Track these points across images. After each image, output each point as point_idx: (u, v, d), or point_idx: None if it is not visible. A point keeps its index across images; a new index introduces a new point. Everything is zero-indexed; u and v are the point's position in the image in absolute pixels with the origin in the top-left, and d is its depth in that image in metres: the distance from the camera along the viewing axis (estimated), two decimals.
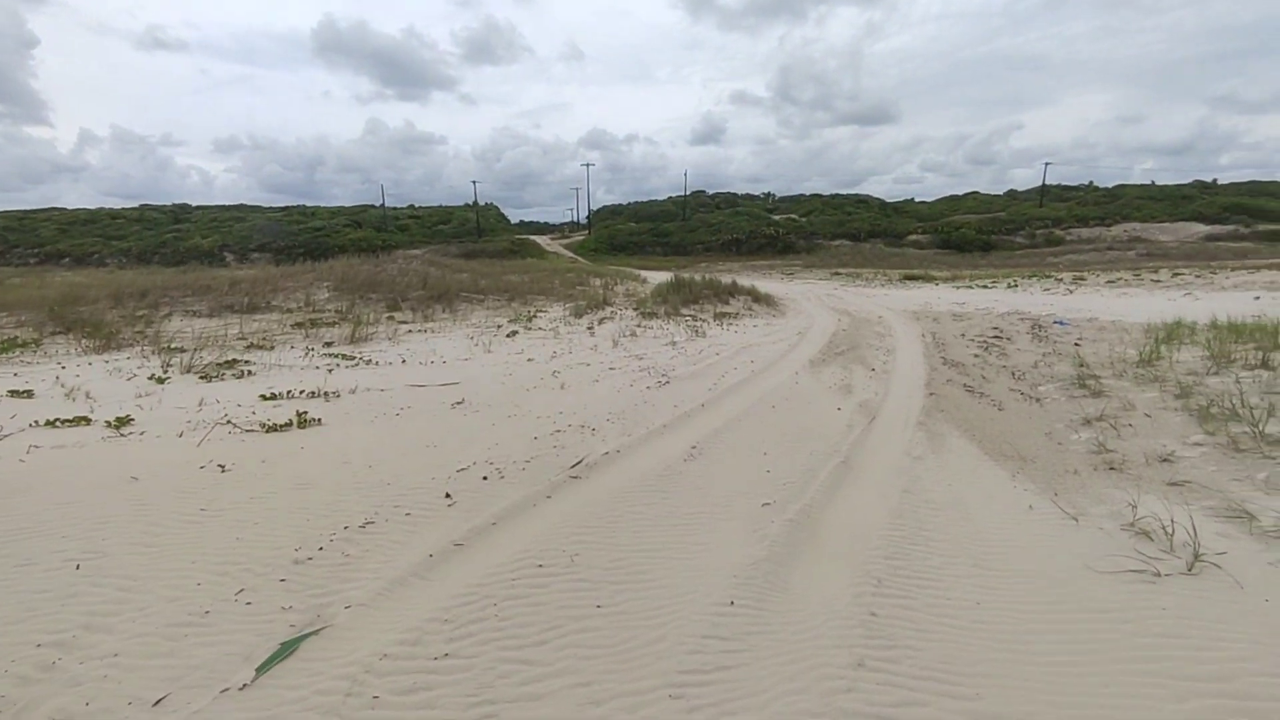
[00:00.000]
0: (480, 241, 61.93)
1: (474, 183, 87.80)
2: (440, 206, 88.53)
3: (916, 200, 74.44)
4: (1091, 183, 71.85)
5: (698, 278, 16.72)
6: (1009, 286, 20.75)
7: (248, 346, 8.33)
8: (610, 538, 3.09)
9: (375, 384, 6.41)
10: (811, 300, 17.30)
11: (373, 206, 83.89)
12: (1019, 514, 3.28)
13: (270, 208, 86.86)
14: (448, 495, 3.63)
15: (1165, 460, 3.81)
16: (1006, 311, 13.06)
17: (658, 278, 21.43)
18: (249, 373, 6.90)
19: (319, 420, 5.10)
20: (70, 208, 75.68)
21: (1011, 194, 69.54)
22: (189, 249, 58.83)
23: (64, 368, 7.05)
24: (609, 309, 13.10)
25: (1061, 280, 22.28)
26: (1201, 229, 47.54)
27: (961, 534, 3.06)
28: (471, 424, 5.10)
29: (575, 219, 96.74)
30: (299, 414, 5.15)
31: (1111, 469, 3.77)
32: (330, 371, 6.99)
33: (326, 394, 5.91)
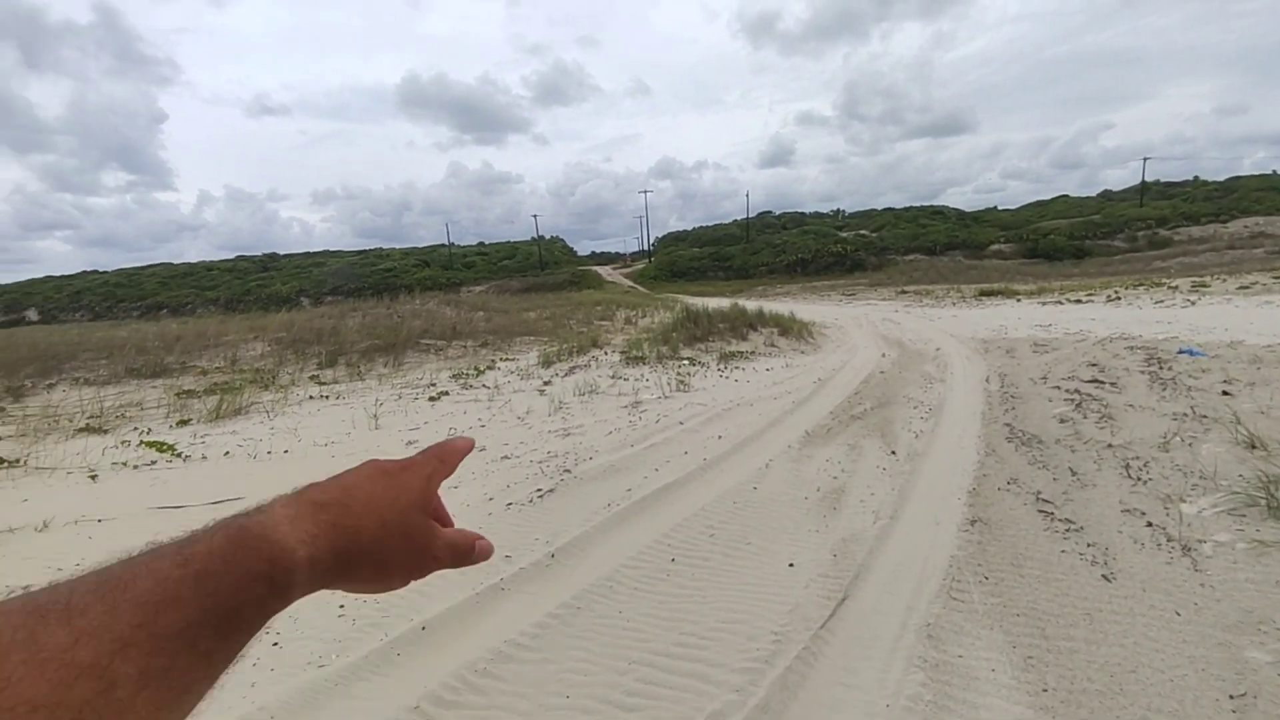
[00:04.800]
0: (542, 275, 61.50)
1: (534, 216, 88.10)
2: (507, 242, 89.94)
3: (999, 208, 68.88)
4: (1197, 177, 64.82)
5: (713, 306, 14.19)
6: (1109, 299, 17.11)
7: (81, 429, 6.52)
8: None
9: (105, 509, 4.27)
10: (862, 327, 14.46)
11: (443, 246, 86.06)
12: None
13: (350, 252, 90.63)
14: None
15: None
16: (1108, 336, 9.91)
17: (708, 305, 18.99)
18: None
19: None
20: (176, 262, 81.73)
21: (1106, 195, 63.38)
22: (271, 295, 61.58)
23: None
24: (593, 353, 10.80)
25: (1177, 288, 18.38)
26: None
27: None
28: None
29: (641, 247, 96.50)
30: None
31: None
32: (94, 479, 4.95)
33: None
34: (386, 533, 0.44)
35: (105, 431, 6.44)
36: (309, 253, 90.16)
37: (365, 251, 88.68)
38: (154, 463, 5.30)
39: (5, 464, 5.21)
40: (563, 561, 3.17)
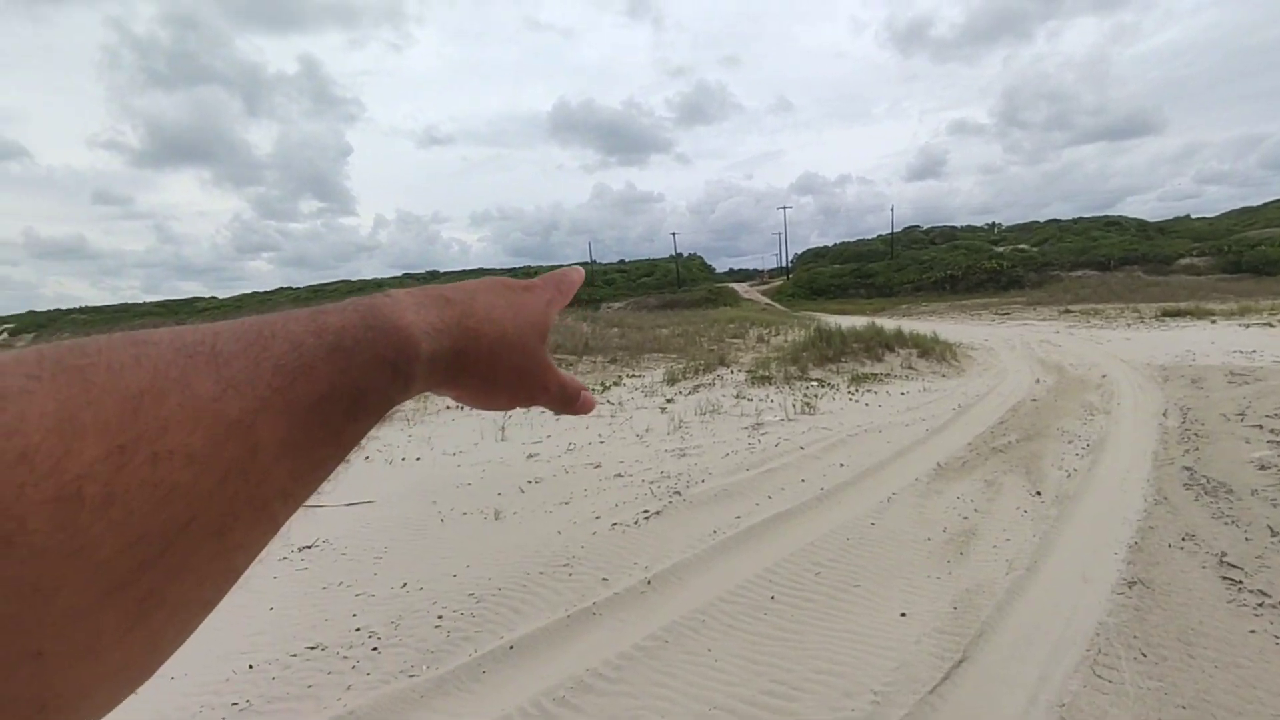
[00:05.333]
0: (679, 292, 62.09)
1: (673, 234, 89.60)
2: (646, 260, 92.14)
3: (1192, 217, 60.84)
4: None
5: (847, 325, 13.54)
6: None
7: None
8: None
9: None
10: (1014, 350, 13.23)
11: (586, 263, 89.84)
12: None
13: (501, 270, 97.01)
14: None
15: None
16: None
17: (844, 323, 18.32)
18: None
19: None
20: (354, 279, 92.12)
21: None
22: None
23: None
24: (719, 371, 10.66)
25: None
26: None
27: None
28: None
29: (780, 264, 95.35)
30: None
31: None
32: None
33: None
34: (506, 346, 0.41)
35: None
36: (465, 270, 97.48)
37: (515, 269, 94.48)
38: None
39: None
40: (658, 589, 3.09)
